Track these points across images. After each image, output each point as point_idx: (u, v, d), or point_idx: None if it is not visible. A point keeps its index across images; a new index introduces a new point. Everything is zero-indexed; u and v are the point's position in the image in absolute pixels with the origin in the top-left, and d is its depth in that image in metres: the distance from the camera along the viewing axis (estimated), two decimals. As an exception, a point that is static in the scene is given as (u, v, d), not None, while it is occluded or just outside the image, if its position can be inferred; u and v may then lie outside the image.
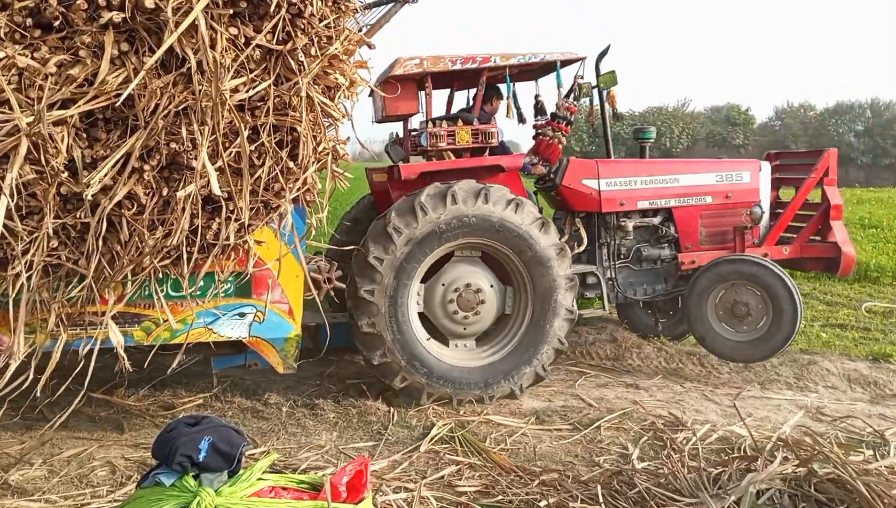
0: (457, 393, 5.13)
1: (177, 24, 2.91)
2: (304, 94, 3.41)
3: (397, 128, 6.09)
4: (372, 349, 5.01)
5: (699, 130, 45.00)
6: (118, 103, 3.01)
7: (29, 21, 2.88)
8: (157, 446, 2.59)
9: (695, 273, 6.03)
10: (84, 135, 3.06)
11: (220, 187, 3.27)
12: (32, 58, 2.86)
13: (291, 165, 3.57)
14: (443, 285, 5.28)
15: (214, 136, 3.20)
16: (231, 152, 3.31)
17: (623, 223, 6.15)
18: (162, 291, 3.87)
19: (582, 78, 5.86)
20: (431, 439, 4.44)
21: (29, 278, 3.17)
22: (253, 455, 4.09)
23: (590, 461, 4.24)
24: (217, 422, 2.66)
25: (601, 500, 3.53)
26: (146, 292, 3.86)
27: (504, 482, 3.84)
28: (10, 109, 2.81)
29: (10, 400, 4.90)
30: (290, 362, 4.61)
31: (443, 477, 3.92)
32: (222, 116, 3.15)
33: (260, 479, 2.59)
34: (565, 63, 5.68)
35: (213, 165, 3.19)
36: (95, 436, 4.52)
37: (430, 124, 5.46)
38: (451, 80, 6.01)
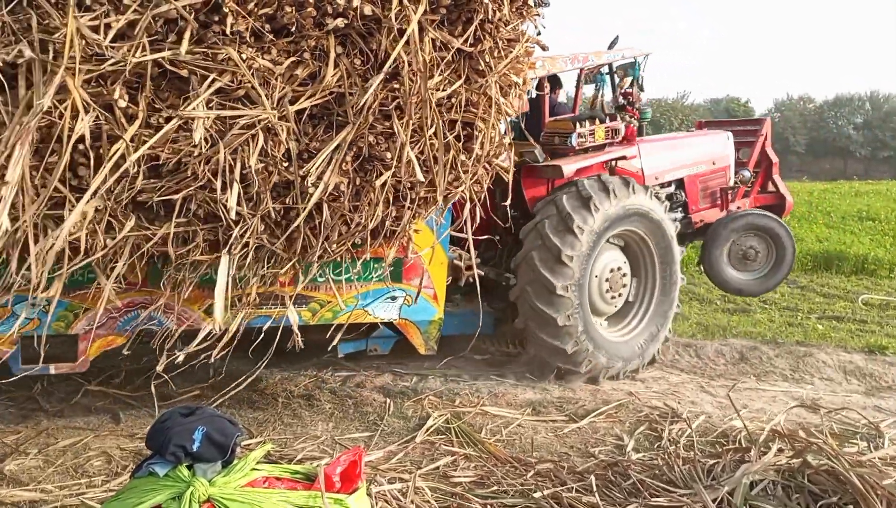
0: (625, 365, 5.76)
1: (391, 30, 3.25)
2: (493, 93, 3.75)
3: None
4: (566, 340, 5.37)
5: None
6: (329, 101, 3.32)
7: (267, 26, 3.14)
8: (151, 436, 2.58)
9: (712, 227, 6.92)
10: (295, 129, 3.30)
11: (407, 177, 3.60)
12: (265, 59, 3.13)
13: (463, 158, 3.85)
14: (603, 262, 5.77)
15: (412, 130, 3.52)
16: (420, 145, 3.59)
17: (658, 195, 6.58)
18: (326, 275, 4.27)
19: (643, 71, 6.58)
20: (427, 430, 4.44)
21: (244, 259, 3.48)
22: (248, 445, 4.10)
23: (585, 452, 4.26)
24: (211, 413, 2.66)
25: (595, 491, 3.53)
26: (314, 276, 4.15)
27: (499, 472, 3.85)
28: (245, 106, 3.10)
29: (6, 390, 4.94)
30: (432, 343, 5.05)
31: (438, 468, 3.92)
32: (430, 113, 3.46)
33: (254, 469, 2.58)
34: (643, 56, 6.43)
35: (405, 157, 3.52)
36: (91, 426, 4.51)
37: (578, 125, 5.80)
38: (556, 78, 6.43)
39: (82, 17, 2.77)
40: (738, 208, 7.25)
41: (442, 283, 4.96)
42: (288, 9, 3.11)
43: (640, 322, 6.03)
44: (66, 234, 2.93)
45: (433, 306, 4.94)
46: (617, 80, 6.60)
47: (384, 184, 3.54)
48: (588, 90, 6.92)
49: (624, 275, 5.90)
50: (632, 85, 6.49)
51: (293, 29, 3.17)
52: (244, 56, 3.03)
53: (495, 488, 3.67)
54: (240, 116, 3.08)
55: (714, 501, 3.24)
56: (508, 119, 4.33)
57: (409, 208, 3.79)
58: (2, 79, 2.77)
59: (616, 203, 5.52)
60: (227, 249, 3.37)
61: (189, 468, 2.50)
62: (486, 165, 4.09)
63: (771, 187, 7.61)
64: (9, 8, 2.77)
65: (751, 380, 5.88)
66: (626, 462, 3.90)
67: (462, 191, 3.99)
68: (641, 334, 5.99)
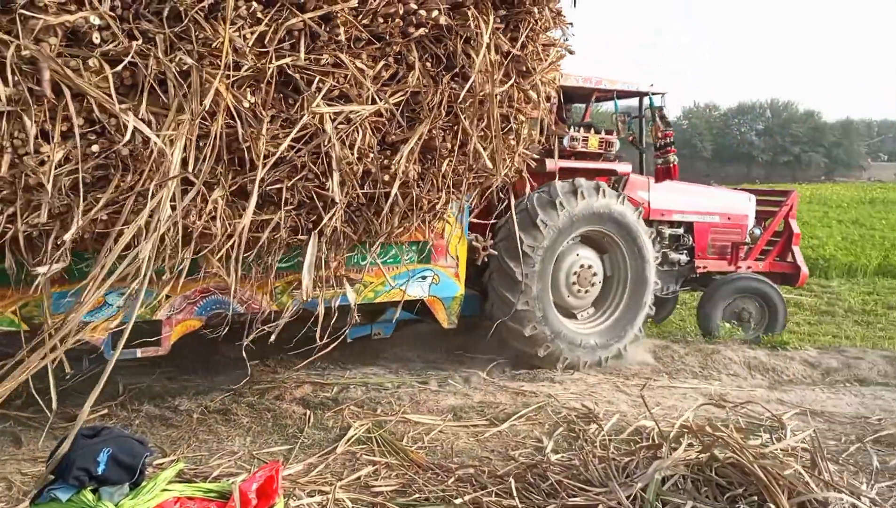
0: (585, 356, 6.16)
1: (457, 35, 3.85)
2: (535, 92, 4.38)
3: None
4: (525, 324, 5.85)
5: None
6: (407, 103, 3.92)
7: (364, 33, 3.61)
8: (53, 460, 2.46)
9: (713, 284, 7.46)
10: (382, 123, 3.83)
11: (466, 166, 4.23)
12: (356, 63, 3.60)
13: (506, 148, 4.42)
14: (574, 257, 6.26)
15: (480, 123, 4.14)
16: (478, 137, 4.17)
17: (661, 230, 7.26)
18: (370, 258, 4.70)
19: (665, 108, 6.96)
20: (348, 440, 4.39)
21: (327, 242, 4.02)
22: (161, 465, 3.94)
23: (506, 455, 4.30)
24: (117, 433, 2.56)
25: (515, 493, 3.58)
26: (355, 259, 4.73)
27: (421, 480, 3.85)
28: (347, 102, 3.61)
29: None
30: (454, 318, 5.55)
31: (359, 478, 3.89)
32: (494, 108, 4.04)
33: (164, 490, 2.50)
34: (655, 94, 6.88)
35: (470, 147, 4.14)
36: (-10, 451, 4.26)
37: (573, 130, 6.43)
38: (569, 95, 6.80)
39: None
40: (749, 267, 7.73)
41: (463, 262, 5.47)
42: (381, 20, 3.63)
43: (608, 319, 6.44)
44: (246, 226, 3.47)
45: (456, 283, 5.46)
46: (652, 122, 7.01)
47: (445, 172, 4.12)
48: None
49: (594, 274, 6.31)
50: (666, 126, 6.93)
51: (385, 36, 3.68)
52: (346, 60, 3.53)
53: (417, 496, 3.67)
54: (351, 112, 3.60)
55: (628, 497, 3.33)
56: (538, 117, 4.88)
57: (457, 194, 4.43)
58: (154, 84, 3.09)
59: (583, 204, 5.97)
60: (317, 230, 3.89)
61: (94, 491, 2.40)
62: (521, 155, 4.71)
63: (789, 258, 8.03)
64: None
65: (663, 378, 6.09)
66: (544, 464, 3.97)
67: (499, 177, 4.57)
68: (608, 330, 6.38)
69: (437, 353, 6.50)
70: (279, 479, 2.71)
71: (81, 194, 3.10)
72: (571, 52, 4.76)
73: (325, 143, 3.56)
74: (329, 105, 3.56)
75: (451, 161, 4.13)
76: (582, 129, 6.55)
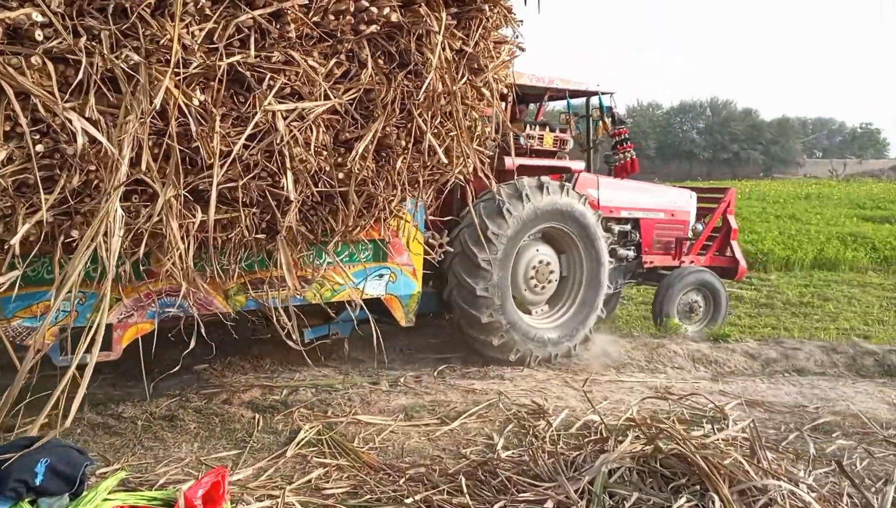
0: (537, 351, 6.23)
1: (410, 32, 3.86)
2: (486, 89, 4.37)
3: None
4: (482, 310, 5.92)
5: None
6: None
7: (316, 31, 3.59)
8: (-12, 473, 2.38)
9: (668, 278, 7.67)
10: (335, 121, 3.82)
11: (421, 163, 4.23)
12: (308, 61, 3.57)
13: (462, 145, 4.40)
14: (531, 254, 6.37)
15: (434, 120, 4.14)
16: (435, 134, 4.18)
17: (610, 226, 7.36)
18: (327, 257, 4.65)
19: (616, 108, 7.35)
20: (298, 443, 4.35)
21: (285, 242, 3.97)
22: (104, 473, 3.83)
23: (457, 453, 4.32)
24: (56, 442, 2.49)
25: (465, 491, 3.60)
26: (311, 258, 4.69)
27: (372, 481, 3.84)
28: (300, 100, 3.57)
29: None
30: (411, 315, 5.55)
31: (310, 481, 3.85)
32: (458, 104, 4.11)
33: (106, 500, 2.44)
34: (605, 94, 7.21)
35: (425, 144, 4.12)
36: (-80, 466, 4.08)
37: (528, 128, 6.60)
38: (523, 94, 6.80)
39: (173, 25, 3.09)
40: (692, 261, 8.01)
41: (419, 260, 5.46)
42: (332, 17, 3.62)
43: (562, 317, 6.57)
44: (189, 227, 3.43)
45: (413, 281, 5.45)
46: (600, 121, 7.33)
47: (399, 170, 4.13)
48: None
49: (552, 271, 6.48)
50: (616, 124, 7.21)
51: (336, 34, 3.67)
52: (298, 57, 3.49)
53: (368, 497, 3.66)
54: (304, 109, 3.57)
55: (576, 491, 3.38)
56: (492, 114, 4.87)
57: (413, 191, 4.44)
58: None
59: (548, 200, 6.13)
60: (277, 230, 3.88)
61: (32, 503, 2.33)
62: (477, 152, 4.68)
63: (728, 252, 8.35)
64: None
65: (611, 373, 6.20)
66: (495, 461, 4.00)
67: (454, 175, 4.57)
68: (561, 328, 6.49)
69: (389, 353, 6.48)
70: (226, 484, 2.67)
71: (25, 196, 3.04)
72: (523, 50, 4.81)
73: (278, 141, 3.53)
74: (281, 103, 3.52)
75: (405, 158, 4.15)
76: (537, 127, 6.67)
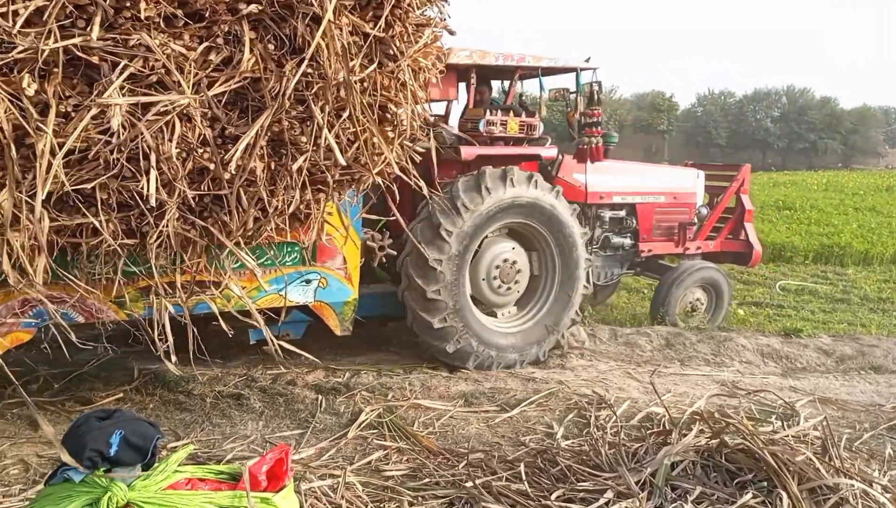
0: (499, 357, 5.74)
1: (305, 15, 3.23)
2: (406, 77, 3.80)
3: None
4: (434, 314, 5.46)
5: (626, 116, 46.07)
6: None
7: (179, 11, 3.05)
8: (67, 441, 2.49)
9: (667, 275, 7.15)
10: (210, 114, 3.25)
11: (323, 161, 3.57)
12: (176, 44, 3.05)
13: (377, 141, 3.82)
14: (493, 252, 5.82)
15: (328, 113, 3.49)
16: (336, 129, 3.56)
17: (601, 214, 6.88)
18: (239, 261, 4.08)
19: (598, 85, 6.34)
20: (359, 425, 4.42)
21: (163, 247, 3.43)
22: (173, 447, 3.99)
23: (516, 441, 4.32)
24: (129, 416, 2.58)
25: (524, 478, 3.59)
26: (221, 263, 4.05)
27: (431, 465, 3.87)
28: (159, 91, 3.02)
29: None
30: (347, 324, 5.06)
31: (370, 463, 3.92)
32: (351, 97, 3.45)
33: (176, 471, 2.52)
34: (582, 70, 6.30)
35: (322, 141, 3.50)
36: (7, 434, 4.32)
37: (488, 113, 5.89)
38: (488, 73, 6.28)
39: None
40: (699, 247, 7.44)
41: (356, 264, 4.97)
42: None
43: (530, 320, 6.03)
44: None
45: (348, 287, 4.96)
46: (576, 101, 6.43)
47: (300, 169, 3.52)
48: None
49: (519, 271, 5.92)
50: (589, 103, 6.34)
51: (206, 14, 3.10)
52: (157, 42, 2.96)
53: (427, 480, 3.69)
54: (156, 102, 3.01)
55: (637, 482, 3.33)
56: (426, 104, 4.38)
57: (324, 191, 3.80)
58: None
59: (511, 192, 5.57)
60: (146, 238, 3.33)
61: (107, 472, 2.43)
62: (400, 149, 4.10)
63: (742, 236, 7.70)
64: None
65: (675, 365, 6.07)
66: (554, 450, 3.98)
67: (376, 173, 3.96)
68: (529, 332, 5.96)
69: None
70: (289, 462, 2.73)
71: None
72: (452, 33, 4.21)
73: (130, 138, 3.00)
74: (135, 94, 2.99)
75: (308, 157, 3.54)
76: (499, 112, 5.98)
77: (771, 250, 11.64)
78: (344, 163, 3.59)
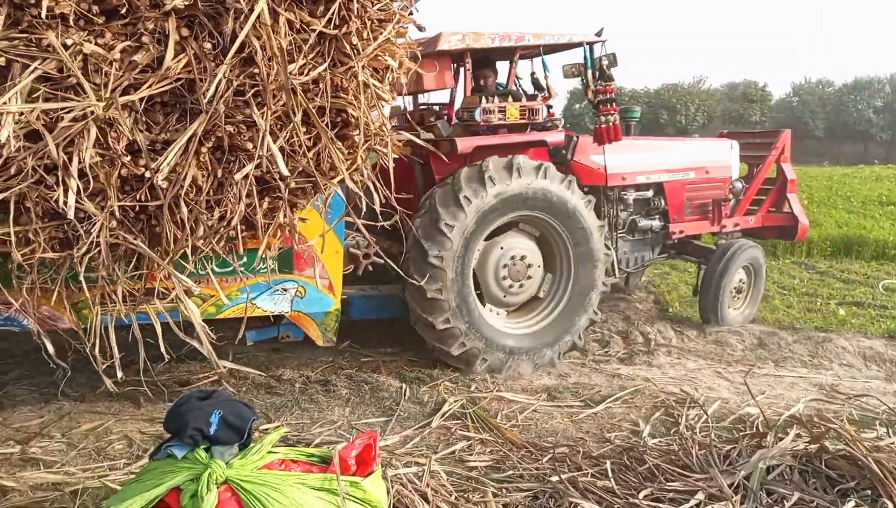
0: (509, 360, 5.42)
1: (240, 11, 2.93)
2: (360, 78, 3.43)
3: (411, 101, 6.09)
4: (436, 315, 5.16)
5: (715, 107, 44.49)
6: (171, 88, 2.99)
7: (95, 8, 2.81)
8: (169, 419, 2.62)
9: (713, 259, 6.64)
10: (143, 119, 3.03)
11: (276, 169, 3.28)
12: (97, 44, 2.82)
13: (341, 145, 3.58)
14: (501, 248, 5.49)
15: (273, 118, 3.21)
16: (287, 135, 3.32)
17: (624, 196, 6.39)
18: (208, 267, 4.01)
19: (606, 60, 5.74)
20: (443, 415, 4.46)
21: (94, 258, 3.18)
22: (265, 430, 4.14)
23: (601, 437, 4.25)
24: (227, 396, 2.69)
25: (611, 475, 3.53)
26: (194, 269, 3.84)
27: (515, 457, 3.86)
28: (79, 94, 2.79)
29: (29, 376, 5.01)
30: (330, 335, 4.78)
31: (454, 452, 3.95)
32: (292, 100, 3.16)
33: (270, 452, 2.61)
34: (590, 44, 5.68)
35: (264, 149, 3.19)
36: (112, 411, 4.58)
37: (484, 100, 5.44)
38: (486, 56, 5.82)
39: None
40: (737, 224, 6.97)
41: (338, 272, 4.68)
42: None
43: (545, 319, 5.71)
44: None
45: (328, 297, 4.64)
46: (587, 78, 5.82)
47: (246, 176, 3.25)
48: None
49: (529, 266, 5.57)
50: (601, 79, 5.74)
51: (124, 11, 2.85)
52: (69, 41, 2.74)
53: (511, 472, 3.69)
54: (63, 109, 2.76)
55: (730, 485, 3.23)
56: (389, 103, 4.02)
57: (281, 199, 3.53)
58: None
59: (517, 183, 5.25)
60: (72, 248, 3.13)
61: (206, 450, 2.53)
62: (364, 154, 3.81)
63: (786, 208, 7.16)
64: None
65: (769, 366, 5.83)
66: (641, 448, 3.90)
67: (341, 180, 3.70)
68: (543, 332, 5.65)
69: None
70: (377, 448, 2.78)
71: None
72: (421, 28, 3.91)
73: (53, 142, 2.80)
74: (64, 98, 2.79)
75: (256, 165, 3.26)
76: (496, 99, 5.49)
77: (873, 247, 11.00)
78: (286, 173, 3.29)
